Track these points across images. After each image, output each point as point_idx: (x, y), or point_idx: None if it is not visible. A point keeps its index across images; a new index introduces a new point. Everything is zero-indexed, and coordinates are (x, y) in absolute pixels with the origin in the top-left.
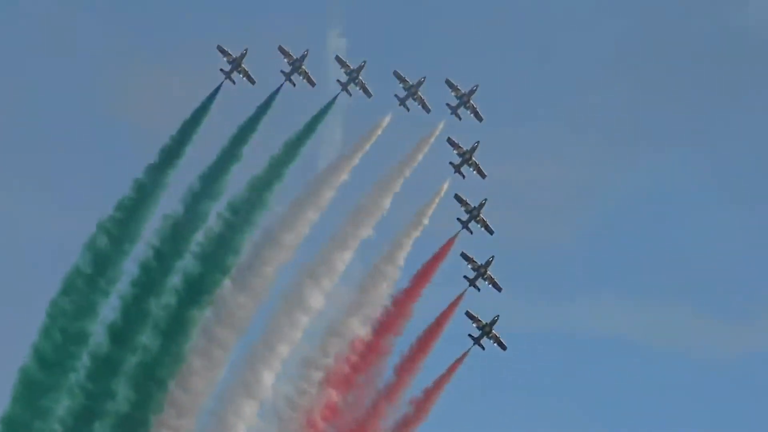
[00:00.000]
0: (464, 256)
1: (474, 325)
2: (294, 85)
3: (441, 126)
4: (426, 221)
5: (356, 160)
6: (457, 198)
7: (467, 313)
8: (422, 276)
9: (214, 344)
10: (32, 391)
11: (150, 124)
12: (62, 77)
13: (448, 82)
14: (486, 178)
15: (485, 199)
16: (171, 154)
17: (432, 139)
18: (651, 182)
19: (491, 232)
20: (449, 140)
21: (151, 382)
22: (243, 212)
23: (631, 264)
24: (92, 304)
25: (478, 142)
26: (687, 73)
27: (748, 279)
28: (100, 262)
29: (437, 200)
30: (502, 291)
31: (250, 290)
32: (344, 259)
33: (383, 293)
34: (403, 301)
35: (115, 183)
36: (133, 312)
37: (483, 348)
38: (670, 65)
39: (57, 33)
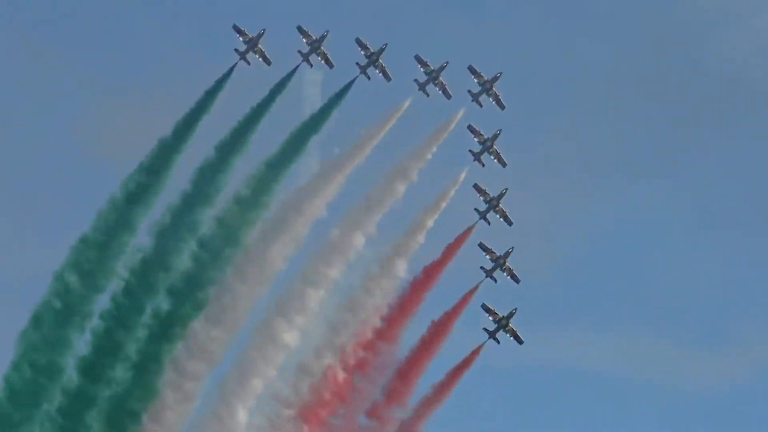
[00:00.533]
0: (482, 246)
1: (490, 318)
2: (311, 65)
3: (461, 113)
4: (441, 211)
5: (370, 148)
6: (476, 187)
7: (483, 306)
8: (436, 268)
9: (187, 378)
10: (2, 425)
11: (123, 156)
12: (31, 108)
13: (471, 68)
14: (507, 167)
15: (506, 189)
16: (172, 145)
17: (452, 126)
18: (626, 214)
19: (510, 223)
20: (470, 127)
21: (124, 415)
22: (225, 235)
23: (606, 295)
24: (63, 336)
25: (500, 129)
26: (662, 106)
27: (724, 310)
28: (71, 295)
29: (454, 189)
30: (519, 282)
31: (224, 324)
32: (338, 268)
33: (390, 288)
34: (415, 293)
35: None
36: (105, 345)
37: (498, 342)
38: (645, 98)
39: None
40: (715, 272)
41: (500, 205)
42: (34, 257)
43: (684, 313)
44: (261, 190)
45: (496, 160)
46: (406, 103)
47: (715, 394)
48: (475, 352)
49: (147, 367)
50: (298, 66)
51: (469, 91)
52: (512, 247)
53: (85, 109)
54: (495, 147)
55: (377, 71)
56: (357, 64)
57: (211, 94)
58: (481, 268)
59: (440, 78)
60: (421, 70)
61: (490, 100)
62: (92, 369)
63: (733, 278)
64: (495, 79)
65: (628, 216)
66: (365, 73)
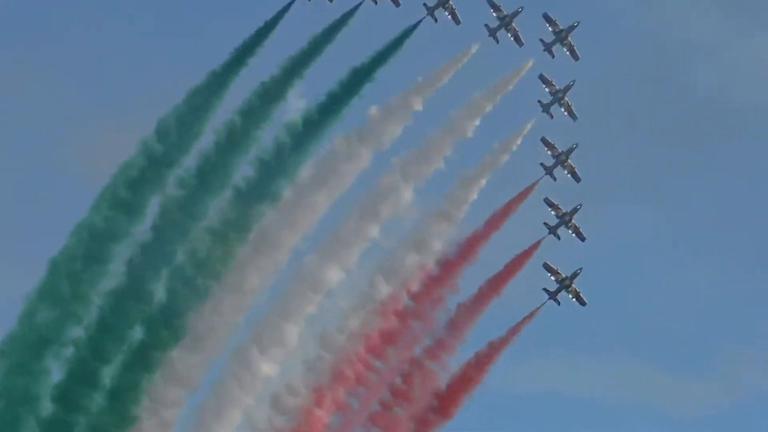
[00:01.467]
0: (548, 202)
1: (552, 278)
2: (375, 3)
3: (530, 63)
4: (503, 164)
5: (431, 92)
6: (544, 141)
7: (545, 265)
8: (494, 222)
9: (164, 405)
10: None
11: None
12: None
13: (546, 16)
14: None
15: (576, 144)
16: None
17: (520, 75)
18: (610, 239)
19: (578, 180)
20: (541, 77)
21: None
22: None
23: (591, 321)
24: (37, 362)
25: (573, 80)
26: (643, 132)
27: (709, 336)
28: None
29: (518, 141)
30: (585, 240)
31: (203, 350)
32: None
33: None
34: (469, 246)
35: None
36: (80, 374)
37: (559, 303)
38: (625, 125)
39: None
40: (701, 298)
41: (569, 160)
42: (9, 280)
43: (669, 339)
44: (314, 133)
45: (566, 113)
46: (474, 49)
47: (699, 420)
48: (532, 314)
49: (123, 395)
50: (361, 2)
51: (542, 40)
52: (580, 204)
53: (70, 128)
54: (566, 99)
55: (446, 13)
56: (424, 4)
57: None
58: (545, 224)
59: (513, 24)
60: (494, 14)
61: (564, 50)
62: (67, 397)
63: (718, 304)
64: (571, 28)
65: (612, 241)
66: (432, 15)
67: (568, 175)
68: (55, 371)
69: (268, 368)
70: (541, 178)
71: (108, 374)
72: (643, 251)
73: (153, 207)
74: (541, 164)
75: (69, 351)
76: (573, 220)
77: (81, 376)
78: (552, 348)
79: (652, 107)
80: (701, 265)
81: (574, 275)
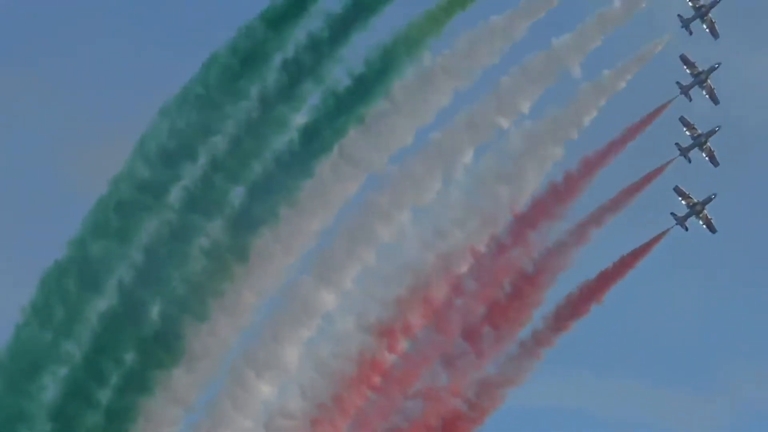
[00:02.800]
0: (683, 121)
1: (683, 202)
2: None
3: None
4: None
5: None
6: (683, 59)
7: (676, 189)
8: (620, 141)
9: (160, 424)
10: None
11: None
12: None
13: None
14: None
15: (718, 64)
16: None
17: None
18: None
19: (717, 102)
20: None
21: None
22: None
23: (589, 336)
24: (32, 382)
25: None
26: None
27: (709, 352)
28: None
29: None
30: (718, 166)
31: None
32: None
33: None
34: (586, 169)
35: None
36: (76, 395)
37: (686, 229)
38: None
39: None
40: (700, 313)
41: (708, 81)
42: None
43: (668, 355)
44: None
45: (708, 30)
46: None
47: None
48: (657, 239)
49: (119, 415)
50: None
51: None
52: (718, 126)
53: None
54: (710, 16)
55: None
56: None
57: None
58: (676, 144)
59: None
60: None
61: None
62: (62, 416)
63: (720, 318)
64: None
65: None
66: None
67: (707, 96)
68: (51, 390)
69: (265, 389)
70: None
71: (104, 395)
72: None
73: (148, 227)
74: (677, 82)
75: (63, 370)
76: (708, 143)
77: (76, 396)
78: (550, 363)
79: None
80: (702, 278)
81: (708, 200)
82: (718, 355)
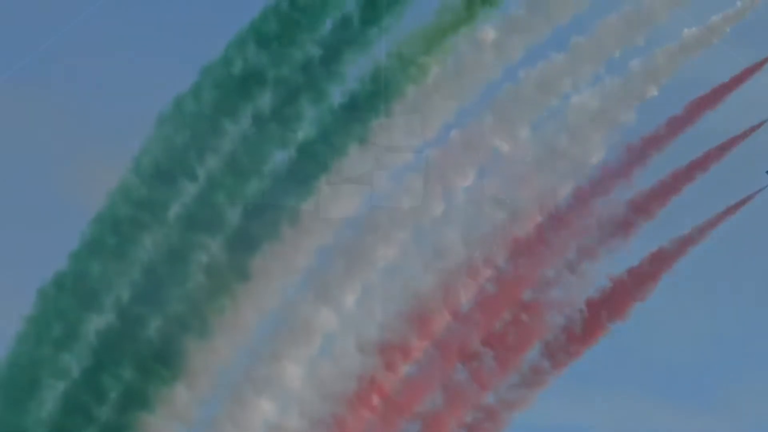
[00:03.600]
0: None
1: None
2: None
3: None
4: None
5: None
6: None
7: None
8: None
9: None
10: None
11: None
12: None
13: None
14: None
15: None
16: None
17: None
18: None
19: None
20: None
21: None
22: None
23: (590, 351)
24: (29, 398)
25: None
26: None
27: (712, 367)
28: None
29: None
30: None
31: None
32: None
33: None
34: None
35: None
36: (75, 410)
37: None
38: None
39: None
40: (704, 329)
41: None
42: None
43: (671, 370)
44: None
45: None
46: None
47: None
48: (748, 198)
49: (117, 431)
50: None
51: None
52: None
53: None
54: None
55: None
56: None
57: None
58: None
59: None
60: None
61: None
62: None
63: (720, 333)
64: None
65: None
66: None
67: None
68: (49, 405)
69: (264, 406)
70: None
71: (103, 411)
72: None
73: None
74: None
75: (61, 386)
76: None
77: (75, 411)
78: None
79: None
80: (705, 293)
81: None
82: (721, 372)
